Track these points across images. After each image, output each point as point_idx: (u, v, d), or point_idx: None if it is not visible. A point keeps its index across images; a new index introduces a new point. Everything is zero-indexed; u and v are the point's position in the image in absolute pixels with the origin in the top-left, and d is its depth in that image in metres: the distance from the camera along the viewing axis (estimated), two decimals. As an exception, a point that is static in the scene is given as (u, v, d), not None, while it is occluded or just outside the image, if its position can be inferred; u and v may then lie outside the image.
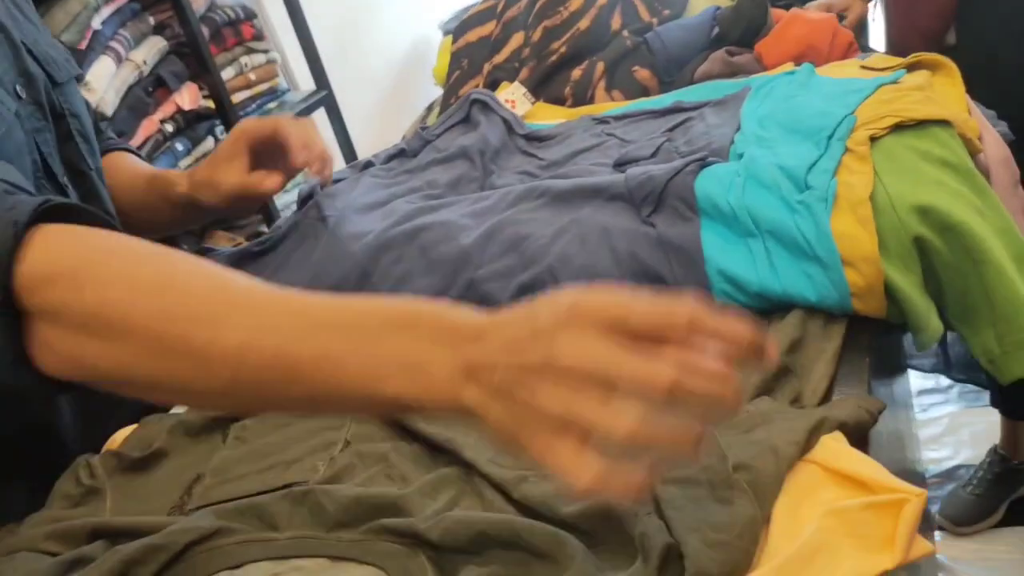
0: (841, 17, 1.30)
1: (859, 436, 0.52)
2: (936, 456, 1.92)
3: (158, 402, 0.61)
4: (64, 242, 0.54)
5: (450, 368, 0.43)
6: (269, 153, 0.85)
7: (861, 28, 1.28)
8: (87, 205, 0.59)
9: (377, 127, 2.43)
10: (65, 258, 0.53)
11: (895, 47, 1.54)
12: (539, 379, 0.40)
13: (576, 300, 0.42)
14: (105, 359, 0.51)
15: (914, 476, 1.34)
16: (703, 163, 0.74)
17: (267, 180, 0.85)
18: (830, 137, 0.70)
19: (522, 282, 0.72)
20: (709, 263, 0.67)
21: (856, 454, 0.48)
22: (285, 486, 0.62)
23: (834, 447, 0.48)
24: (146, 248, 0.54)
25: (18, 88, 0.78)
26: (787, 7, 1.08)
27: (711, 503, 0.47)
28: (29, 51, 0.80)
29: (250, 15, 2.06)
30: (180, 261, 0.52)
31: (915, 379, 2.18)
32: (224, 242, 1.84)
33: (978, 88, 0.83)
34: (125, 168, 0.93)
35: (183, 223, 0.97)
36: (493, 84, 1.10)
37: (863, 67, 0.84)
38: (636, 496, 0.38)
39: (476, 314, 0.45)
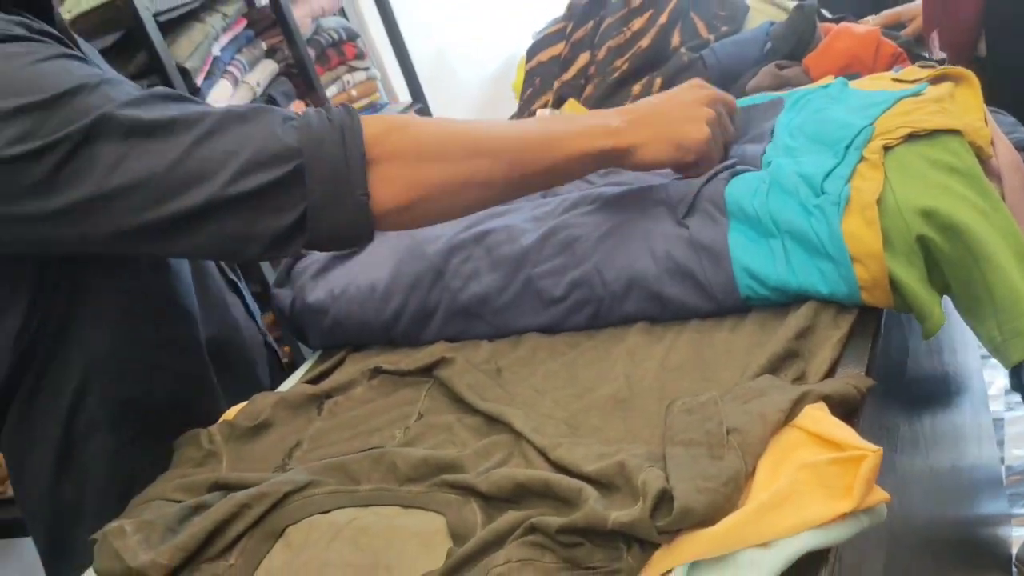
0: (902, 26, 1.35)
1: (847, 408, 0.60)
2: (1020, 453, 1.92)
3: (460, 206, 0.82)
4: (374, 123, 0.79)
5: (621, 122, 0.82)
6: None
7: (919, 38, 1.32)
8: None
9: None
10: (390, 120, 0.81)
11: (948, 60, 1.57)
12: (700, 120, 0.83)
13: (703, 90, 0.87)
14: (435, 173, 0.78)
15: (977, 470, 1.37)
16: (734, 171, 0.82)
17: None
18: (848, 147, 0.78)
19: (573, 278, 0.83)
20: (735, 261, 0.76)
21: (833, 420, 0.56)
22: (366, 449, 0.74)
23: (815, 414, 0.57)
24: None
25: None
26: (838, 21, 1.15)
27: (706, 459, 0.56)
28: None
29: (352, 36, 2.22)
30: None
31: (1004, 378, 2.17)
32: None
33: (1007, 95, 0.88)
34: None
35: None
36: (560, 100, 1.20)
37: (894, 79, 0.90)
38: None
39: (621, 107, 0.87)
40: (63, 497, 0.93)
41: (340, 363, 0.94)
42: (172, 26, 1.83)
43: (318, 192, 0.75)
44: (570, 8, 1.35)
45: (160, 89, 0.79)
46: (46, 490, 0.93)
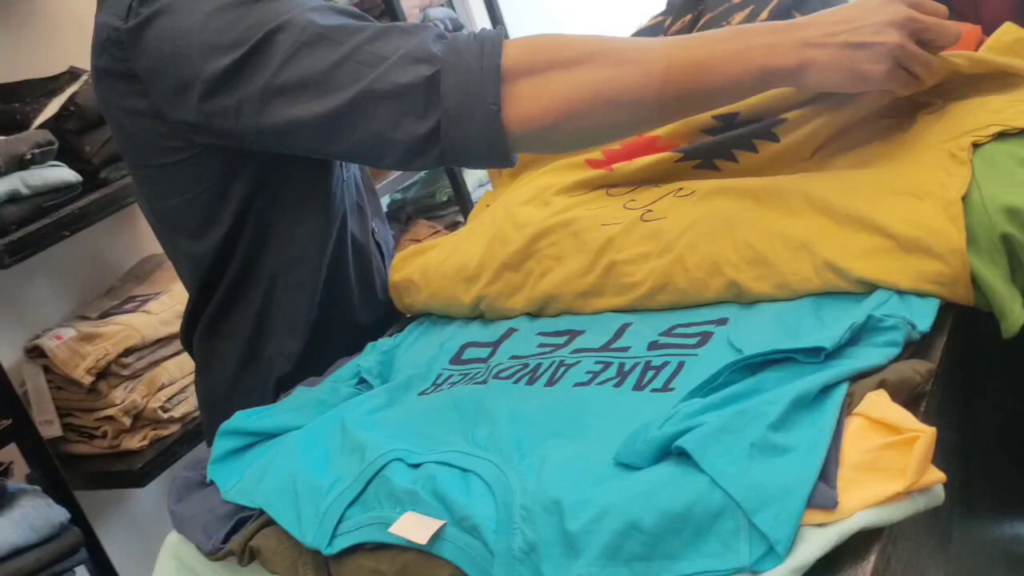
0: None
1: (910, 394, 0.61)
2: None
3: (605, 127, 0.81)
4: (528, 38, 0.81)
5: (793, 43, 0.74)
6: None
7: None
8: None
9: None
10: (538, 37, 0.81)
11: None
12: (886, 31, 0.72)
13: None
14: (578, 92, 0.77)
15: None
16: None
17: None
18: None
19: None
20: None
21: (892, 405, 0.57)
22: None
23: (875, 400, 0.58)
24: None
25: None
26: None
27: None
28: None
29: (458, 26, 2.28)
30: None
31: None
32: (425, 230, 2.07)
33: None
34: None
35: None
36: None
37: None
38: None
39: (791, 20, 0.76)
40: (244, 390, 1.03)
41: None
42: (288, 15, 1.92)
43: (451, 100, 0.78)
44: (669, 3, 1.36)
45: (338, 4, 0.88)
46: (230, 384, 1.04)
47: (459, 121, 0.78)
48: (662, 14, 1.37)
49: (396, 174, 1.98)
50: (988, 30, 0.92)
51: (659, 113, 0.80)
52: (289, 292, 1.01)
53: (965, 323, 0.75)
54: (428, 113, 0.79)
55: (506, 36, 0.81)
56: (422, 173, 2.20)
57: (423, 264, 1.03)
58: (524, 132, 0.79)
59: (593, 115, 0.78)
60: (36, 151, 1.49)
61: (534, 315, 0.92)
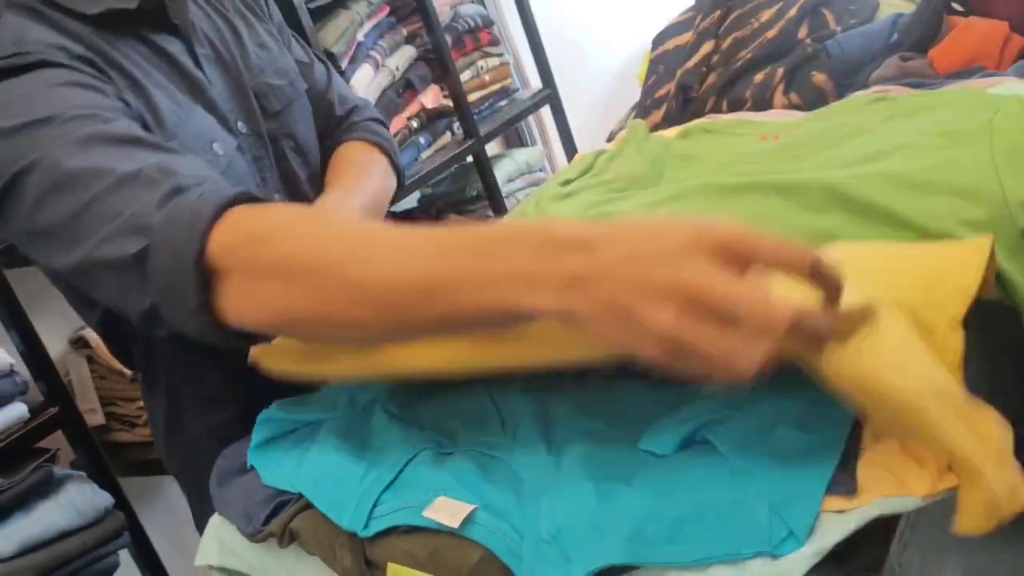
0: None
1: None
2: None
3: (324, 341, 0.69)
4: (252, 215, 0.68)
5: (557, 279, 0.48)
6: None
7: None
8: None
9: (597, 124, 2.60)
10: (252, 223, 0.67)
11: None
12: (660, 298, 0.44)
13: (702, 228, 0.45)
14: (283, 300, 0.62)
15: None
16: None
17: None
18: None
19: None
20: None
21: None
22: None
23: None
24: (313, 211, 0.79)
25: (239, 124, 0.99)
26: (967, 15, 1.13)
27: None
28: (253, 91, 1.01)
29: (488, 23, 2.29)
30: (336, 218, 0.69)
31: None
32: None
33: None
34: (333, 164, 1.10)
35: None
36: (683, 88, 1.24)
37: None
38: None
39: (584, 225, 0.50)
40: (175, 455, 1.06)
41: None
42: (321, 13, 1.95)
43: (158, 283, 0.68)
44: (699, -1, 1.38)
45: (116, 130, 0.78)
46: (163, 446, 1.07)
47: (170, 306, 0.69)
48: (691, 9, 1.38)
49: (425, 169, 2.01)
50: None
51: (389, 338, 0.64)
52: (193, 368, 0.98)
53: (988, 317, 0.76)
54: (144, 290, 0.69)
55: (235, 197, 0.68)
56: (452, 168, 2.22)
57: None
58: (244, 328, 0.67)
59: (316, 332, 0.67)
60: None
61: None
